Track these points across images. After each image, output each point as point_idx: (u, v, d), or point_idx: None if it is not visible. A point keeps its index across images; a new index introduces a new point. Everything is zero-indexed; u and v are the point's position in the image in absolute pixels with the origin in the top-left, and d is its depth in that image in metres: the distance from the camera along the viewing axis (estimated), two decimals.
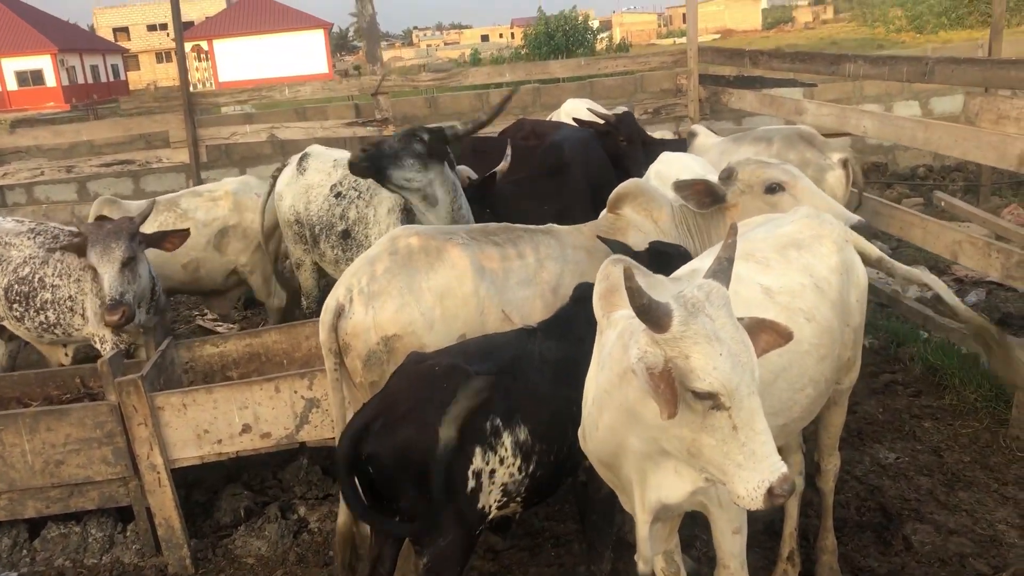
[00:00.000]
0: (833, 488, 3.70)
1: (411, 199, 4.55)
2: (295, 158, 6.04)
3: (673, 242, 3.75)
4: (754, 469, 2.15)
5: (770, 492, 2.13)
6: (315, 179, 5.71)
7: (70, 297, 5.07)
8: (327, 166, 5.75)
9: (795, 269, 3.07)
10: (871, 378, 5.39)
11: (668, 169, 4.94)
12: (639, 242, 3.64)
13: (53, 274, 5.10)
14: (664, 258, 3.44)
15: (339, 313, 3.40)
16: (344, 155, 5.92)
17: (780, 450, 3.60)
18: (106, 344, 4.98)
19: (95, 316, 4.98)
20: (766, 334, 2.34)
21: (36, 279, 5.12)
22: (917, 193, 9.87)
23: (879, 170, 10.88)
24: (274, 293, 6.43)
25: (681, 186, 3.92)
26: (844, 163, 5.37)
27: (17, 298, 5.15)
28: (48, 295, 5.10)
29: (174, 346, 4.70)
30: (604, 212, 4.10)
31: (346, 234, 5.41)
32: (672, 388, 2.14)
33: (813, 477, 3.75)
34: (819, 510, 3.82)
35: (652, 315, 2.16)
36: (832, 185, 5.35)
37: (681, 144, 6.45)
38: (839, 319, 3.11)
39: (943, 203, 6.07)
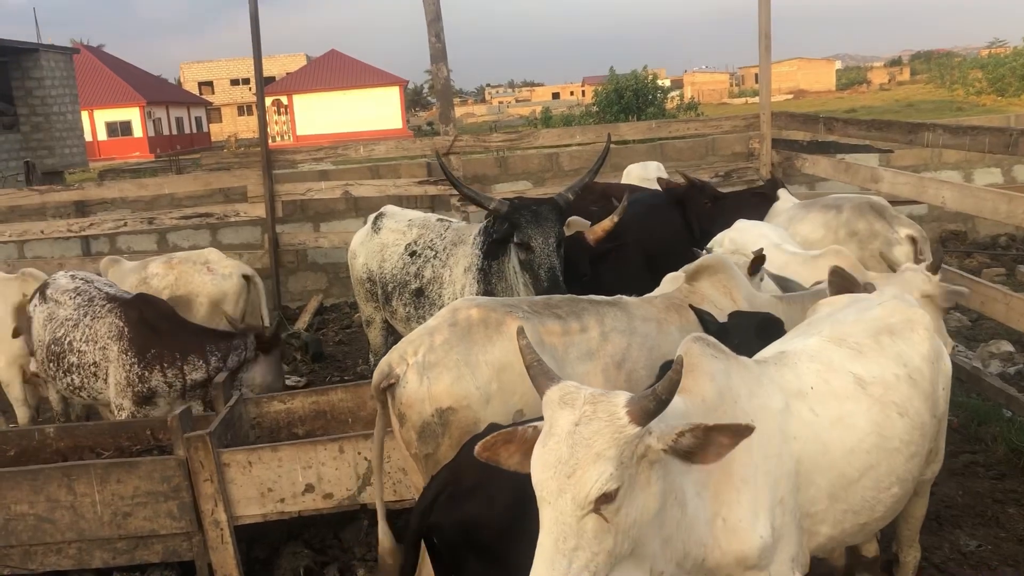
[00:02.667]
0: None
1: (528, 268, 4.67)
2: (371, 217, 6.16)
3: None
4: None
5: None
6: (390, 238, 5.79)
7: (94, 363, 5.14)
8: (402, 225, 5.84)
9: (889, 357, 2.95)
10: (950, 458, 5.15)
11: (742, 237, 4.89)
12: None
13: (81, 339, 5.17)
14: (753, 329, 3.36)
15: (388, 376, 3.40)
16: (418, 215, 6.02)
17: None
18: (123, 412, 5.04)
19: (116, 386, 5.04)
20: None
21: (67, 341, 5.20)
22: (998, 263, 9.56)
23: (958, 238, 10.59)
24: None
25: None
26: (912, 239, 5.24)
27: (51, 357, 5.25)
28: (74, 359, 5.18)
29: (242, 402, 4.77)
30: (678, 281, 4.06)
31: (419, 292, 5.46)
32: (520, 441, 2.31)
33: (891, 566, 3.59)
34: None
35: (532, 377, 2.28)
36: (899, 260, 5.23)
37: (759, 198, 6.33)
38: (930, 412, 2.99)
39: None
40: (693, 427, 2.17)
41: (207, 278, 6.23)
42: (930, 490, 3.93)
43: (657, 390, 2.14)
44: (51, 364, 5.26)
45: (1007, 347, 6.77)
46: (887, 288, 3.36)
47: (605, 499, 2.07)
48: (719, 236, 5.15)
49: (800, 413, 2.72)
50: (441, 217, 6.02)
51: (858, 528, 2.89)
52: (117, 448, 4.77)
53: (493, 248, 4.85)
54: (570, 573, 2.05)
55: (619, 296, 3.82)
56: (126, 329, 5.07)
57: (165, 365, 5.00)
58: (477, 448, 2.32)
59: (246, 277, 6.34)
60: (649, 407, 2.13)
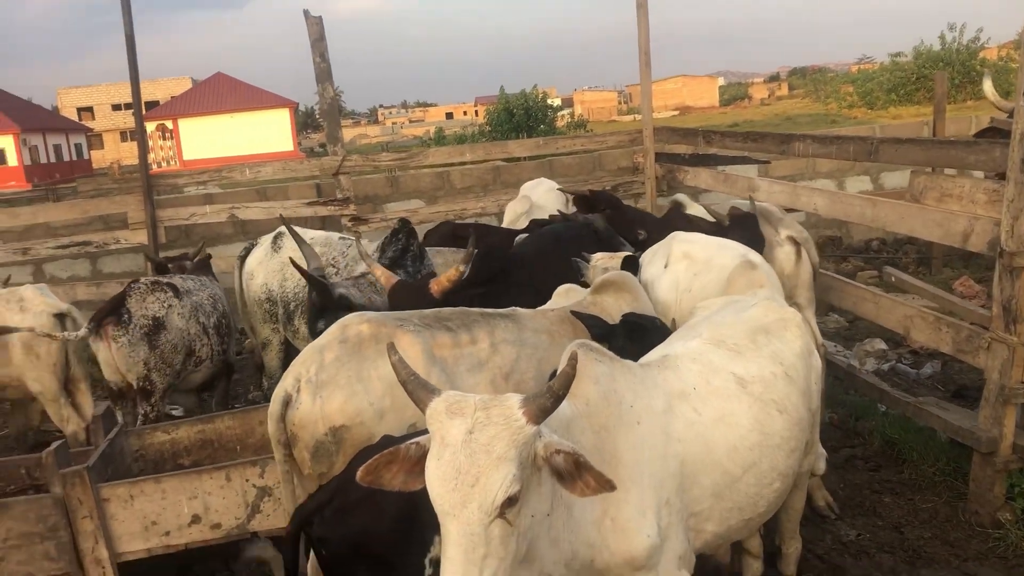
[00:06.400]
0: (795, 572, 3.66)
1: None
2: (267, 237, 6.05)
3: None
4: None
5: None
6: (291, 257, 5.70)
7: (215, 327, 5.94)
8: None
9: (765, 356, 3.05)
10: (832, 453, 5.37)
11: (693, 249, 4.63)
12: None
13: (204, 315, 5.80)
14: (639, 330, 3.44)
15: (287, 403, 3.32)
16: (320, 234, 5.95)
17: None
18: (214, 360, 5.96)
19: (220, 339, 5.98)
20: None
21: (196, 322, 5.72)
22: (872, 266, 10.07)
23: (834, 243, 11.10)
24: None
25: None
26: (792, 240, 5.46)
27: (227, 330, 6.00)
28: (226, 321, 6.02)
29: (124, 434, 4.58)
30: (572, 293, 4.12)
31: None
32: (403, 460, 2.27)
33: (775, 559, 3.71)
34: None
35: (410, 392, 2.24)
36: (780, 260, 5.43)
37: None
38: (806, 406, 3.10)
39: (893, 278, 6.18)
40: (569, 452, 2.16)
41: (18, 317, 5.66)
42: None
43: (553, 386, 2.14)
44: (226, 337, 5.99)
45: (880, 345, 7.12)
46: (761, 289, 3.49)
47: (509, 503, 2.07)
48: (670, 251, 4.79)
49: (684, 414, 2.78)
50: (343, 236, 5.99)
51: (743, 524, 2.98)
52: None
53: (393, 264, 4.85)
54: None
55: (514, 308, 3.84)
56: (217, 290, 6.14)
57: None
58: (359, 474, 2.27)
59: (60, 315, 5.76)
60: (546, 404, 2.13)
